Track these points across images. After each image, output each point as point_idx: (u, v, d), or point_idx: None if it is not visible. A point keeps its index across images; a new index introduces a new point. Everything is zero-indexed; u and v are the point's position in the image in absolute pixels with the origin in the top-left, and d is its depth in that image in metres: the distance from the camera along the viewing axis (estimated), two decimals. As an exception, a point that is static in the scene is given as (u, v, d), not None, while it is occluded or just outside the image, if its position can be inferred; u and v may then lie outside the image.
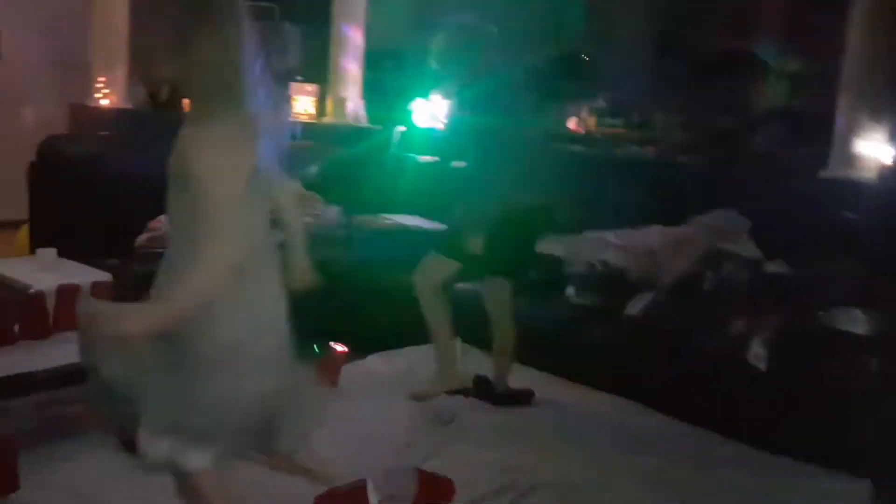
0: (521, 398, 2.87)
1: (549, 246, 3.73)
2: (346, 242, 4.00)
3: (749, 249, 3.19)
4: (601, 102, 5.13)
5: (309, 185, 4.33)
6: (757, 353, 2.69)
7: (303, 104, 5.24)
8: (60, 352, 2.35)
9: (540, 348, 3.13)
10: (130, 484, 1.97)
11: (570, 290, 3.38)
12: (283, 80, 5.75)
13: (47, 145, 3.83)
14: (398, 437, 2.46)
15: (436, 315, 2.83)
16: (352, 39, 5.24)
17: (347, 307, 3.56)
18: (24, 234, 4.35)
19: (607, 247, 3.49)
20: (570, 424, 2.71)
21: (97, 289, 2.51)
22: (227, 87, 1.49)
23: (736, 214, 3.32)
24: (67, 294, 2.46)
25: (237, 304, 1.47)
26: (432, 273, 2.83)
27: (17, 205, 4.24)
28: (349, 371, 2.87)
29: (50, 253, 3.38)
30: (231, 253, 1.44)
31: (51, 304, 2.51)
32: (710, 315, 2.94)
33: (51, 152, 3.81)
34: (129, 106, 5.49)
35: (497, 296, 2.91)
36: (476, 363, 3.00)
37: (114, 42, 5.37)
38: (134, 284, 3.35)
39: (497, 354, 2.91)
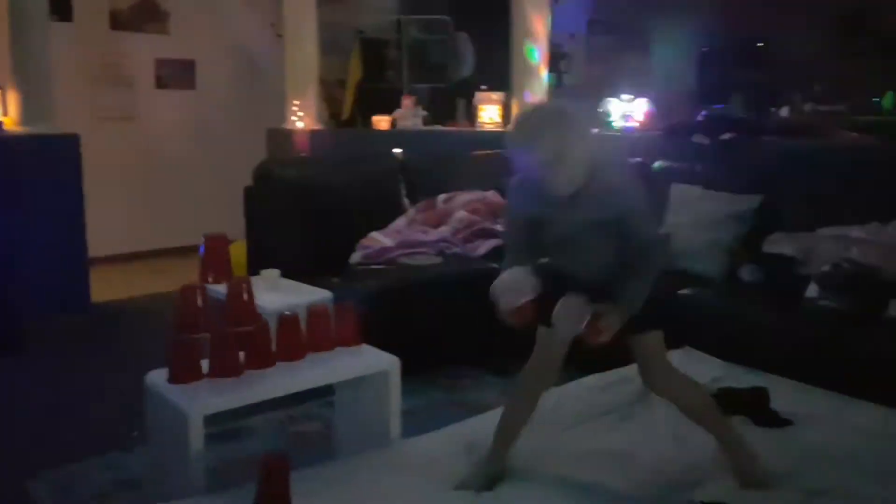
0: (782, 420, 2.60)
1: (776, 244, 3.47)
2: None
3: None
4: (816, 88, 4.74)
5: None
6: None
7: (489, 113, 5.19)
8: (312, 373, 2.37)
9: (785, 355, 2.89)
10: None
11: (812, 292, 3.10)
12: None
13: (261, 170, 3.97)
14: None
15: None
16: (534, 44, 5.15)
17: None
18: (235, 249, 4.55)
19: (851, 244, 3.18)
20: (836, 439, 2.43)
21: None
22: None
23: None
24: (317, 316, 2.48)
25: None
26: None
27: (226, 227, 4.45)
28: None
29: (273, 273, 3.48)
30: None
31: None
32: None
33: (265, 176, 3.94)
34: (318, 127, 5.68)
35: None
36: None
37: (306, 70, 5.57)
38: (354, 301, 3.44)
39: None
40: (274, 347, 2.36)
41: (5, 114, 4.46)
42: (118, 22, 6.06)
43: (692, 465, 2.22)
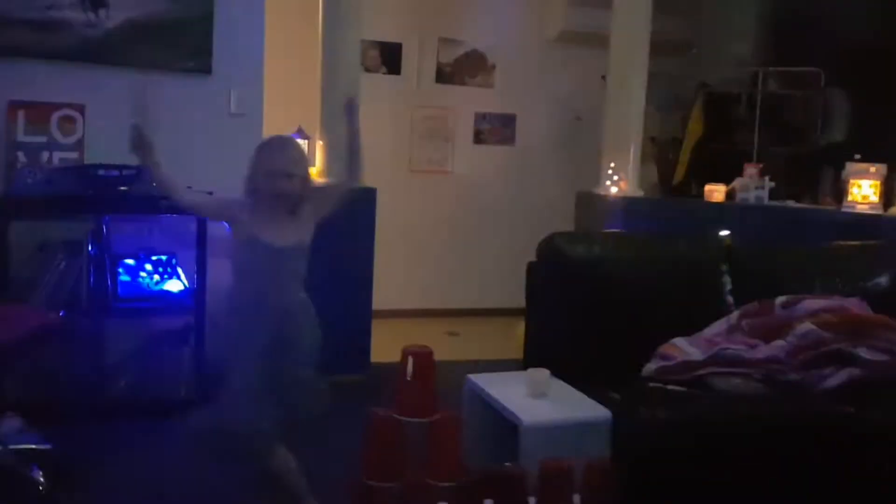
0: None
1: None
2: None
3: None
4: None
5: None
6: None
7: (862, 190, 3.97)
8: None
9: None
10: None
11: None
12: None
13: (547, 244, 3.34)
14: None
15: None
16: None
17: None
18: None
19: None
20: None
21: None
22: None
23: None
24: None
25: None
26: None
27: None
28: None
29: (542, 375, 2.84)
30: None
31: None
32: None
33: (550, 252, 3.30)
34: (638, 194, 4.89)
35: None
36: None
37: (629, 127, 4.84)
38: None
39: None
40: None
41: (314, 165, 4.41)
42: (443, 75, 5.94)
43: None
